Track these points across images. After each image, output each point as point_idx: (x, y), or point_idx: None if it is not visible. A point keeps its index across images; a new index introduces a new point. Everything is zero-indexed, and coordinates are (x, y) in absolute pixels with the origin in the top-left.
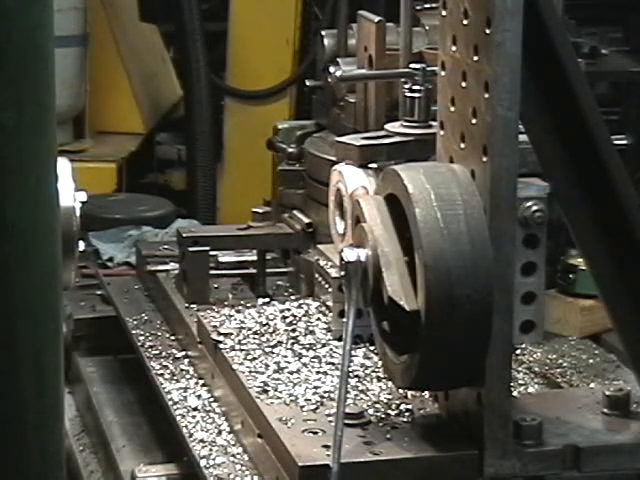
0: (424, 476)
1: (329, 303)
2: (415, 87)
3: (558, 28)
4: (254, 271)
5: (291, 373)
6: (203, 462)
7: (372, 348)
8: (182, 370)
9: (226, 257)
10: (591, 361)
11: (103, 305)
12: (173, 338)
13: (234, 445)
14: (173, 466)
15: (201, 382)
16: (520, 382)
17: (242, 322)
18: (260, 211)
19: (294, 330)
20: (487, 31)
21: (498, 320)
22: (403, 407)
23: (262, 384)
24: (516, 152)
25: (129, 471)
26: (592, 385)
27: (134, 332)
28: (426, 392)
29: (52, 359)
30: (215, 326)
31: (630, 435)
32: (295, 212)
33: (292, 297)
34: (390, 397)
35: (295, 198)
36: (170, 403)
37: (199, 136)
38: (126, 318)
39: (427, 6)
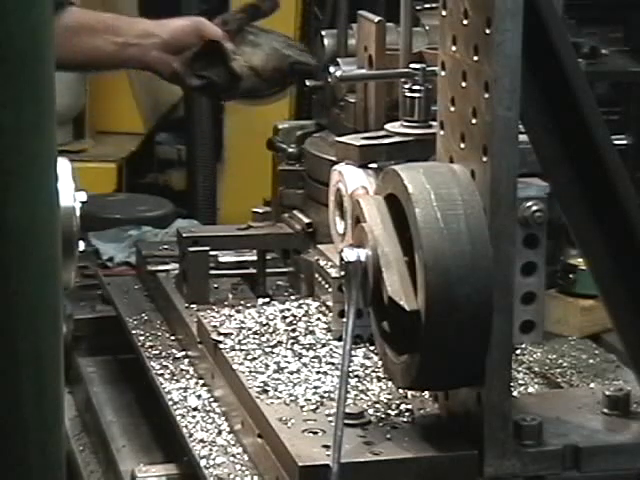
0: (424, 476)
1: (329, 303)
2: (415, 87)
3: (558, 28)
4: (254, 271)
5: (291, 373)
6: (203, 462)
7: (372, 348)
8: (182, 370)
9: (226, 257)
10: (591, 361)
11: (103, 305)
12: (173, 338)
13: (234, 445)
14: (173, 466)
15: (201, 382)
16: (520, 382)
17: (242, 322)
18: (260, 211)
19: (294, 330)
20: (487, 31)
21: (498, 320)
22: (403, 407)
23: (262, 384)
24: (516, 152)
25: (129, 471)
26: (592, 385)
27: (134, 332)
28: (426, 392)
29: (52, 359)
30: (215, 326)
31: (630, 435)
32: (295, 212)
33: (292, 297)
34: (390, 397)
35: (295, 198)
36: (170, 403)
37: (199, 136)
38: (126, 318)
39: (427, 6)
